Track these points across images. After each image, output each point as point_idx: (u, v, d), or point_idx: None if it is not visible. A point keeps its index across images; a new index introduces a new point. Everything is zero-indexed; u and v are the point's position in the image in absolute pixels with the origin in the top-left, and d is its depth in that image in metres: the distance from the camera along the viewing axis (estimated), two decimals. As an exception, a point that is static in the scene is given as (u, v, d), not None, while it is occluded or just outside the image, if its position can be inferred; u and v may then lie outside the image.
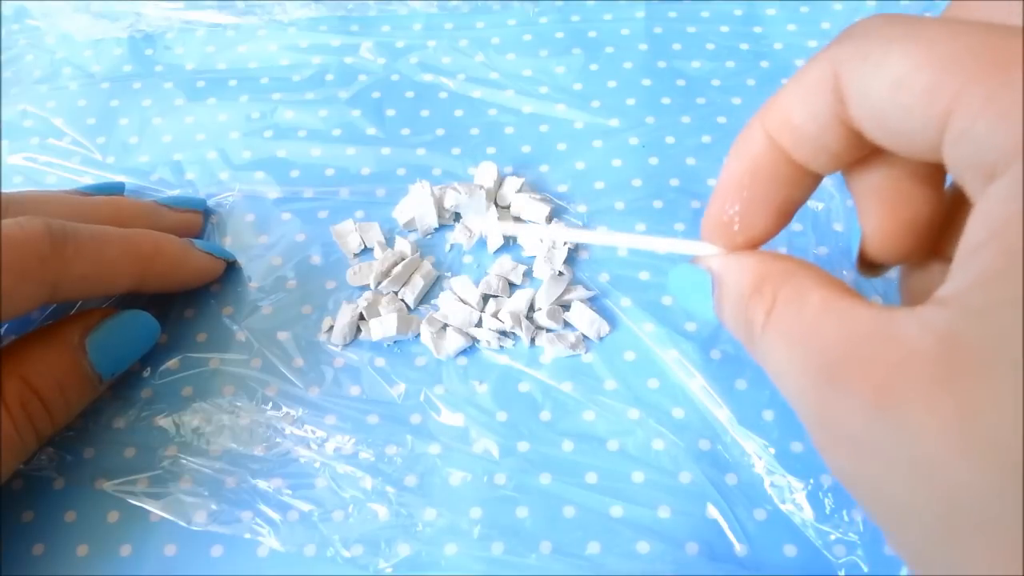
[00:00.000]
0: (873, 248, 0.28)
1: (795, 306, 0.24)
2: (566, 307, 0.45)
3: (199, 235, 0.49)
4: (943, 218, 0.27)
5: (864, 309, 0.23)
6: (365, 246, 0.48)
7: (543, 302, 0.45)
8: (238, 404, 0.43)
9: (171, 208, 0.48)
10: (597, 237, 0.45)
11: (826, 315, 0.23)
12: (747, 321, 0.26)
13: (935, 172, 0.26)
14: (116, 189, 0.49)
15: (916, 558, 0.20)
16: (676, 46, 0.56)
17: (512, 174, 0.51)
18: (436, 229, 0.49)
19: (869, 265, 0.29)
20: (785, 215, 0.29)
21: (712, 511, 0.39)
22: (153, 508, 0.40)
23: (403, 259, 0.47)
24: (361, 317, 0.45)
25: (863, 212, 0.28)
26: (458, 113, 0.54)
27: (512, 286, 0.47)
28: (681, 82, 0.55)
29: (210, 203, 0.51)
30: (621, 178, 0.50)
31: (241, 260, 0.48)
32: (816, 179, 0.28)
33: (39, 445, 0.39)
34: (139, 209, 0.46)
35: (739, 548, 0.38)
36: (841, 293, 0.24)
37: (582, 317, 0.44)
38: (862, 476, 0.21)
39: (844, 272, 0.46)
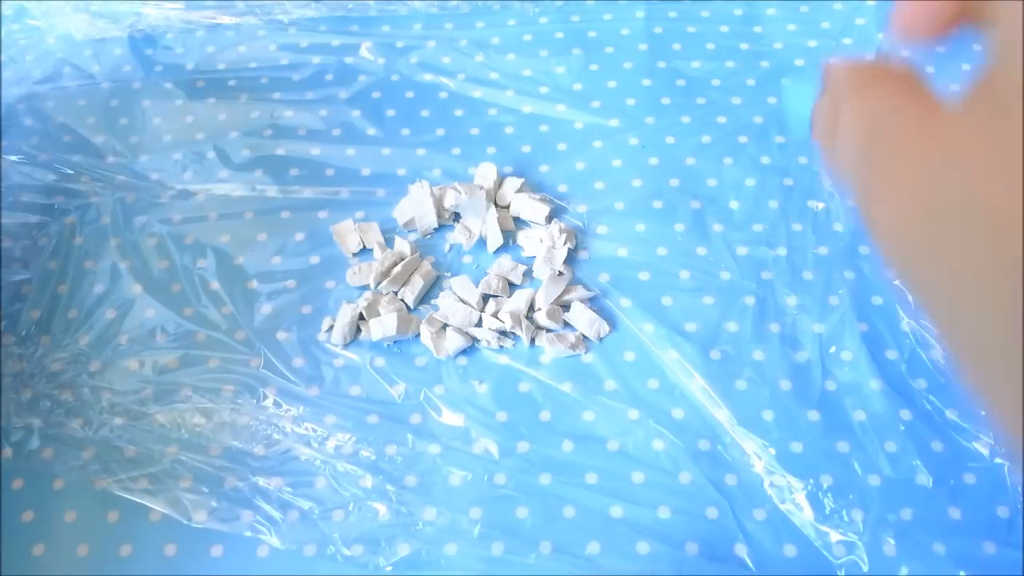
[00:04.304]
0: None
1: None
2: (566, 307, 0.45)
3: None
4: None
5: None
6: (365, 246, 0.48)
7: (543, 302, 0.45)
8: (238, 403, 0.43)
9: None
10: None
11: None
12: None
13: None
14: None
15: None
16: (676, 46, 0.56)
17: (512, 174, 0.51)
18: (436, 229, 0.49)
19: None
20: None
21: (712, 511, 0.39)
22: (153, 506, 0.40)
23: (403, 259, 0.47)
24: (361, 317, 0.45)
25: None
26: (458, 113, 0.54)
27: (512, 286, 0.47)
28: (681, 82, 0.55)
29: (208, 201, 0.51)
30: (621, 178, 0.50)
31: (241, 259, 0.48)
32: None
33: None
34: None
35: (739, 548, 0.38)
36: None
37: (582, 317, 0.45)
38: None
39: (845, 273, 0.46)
